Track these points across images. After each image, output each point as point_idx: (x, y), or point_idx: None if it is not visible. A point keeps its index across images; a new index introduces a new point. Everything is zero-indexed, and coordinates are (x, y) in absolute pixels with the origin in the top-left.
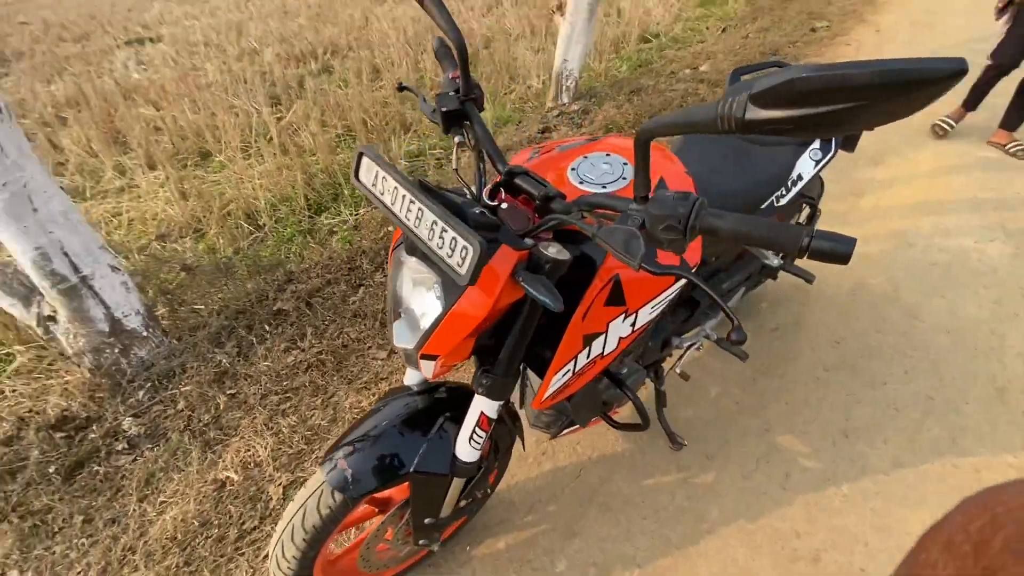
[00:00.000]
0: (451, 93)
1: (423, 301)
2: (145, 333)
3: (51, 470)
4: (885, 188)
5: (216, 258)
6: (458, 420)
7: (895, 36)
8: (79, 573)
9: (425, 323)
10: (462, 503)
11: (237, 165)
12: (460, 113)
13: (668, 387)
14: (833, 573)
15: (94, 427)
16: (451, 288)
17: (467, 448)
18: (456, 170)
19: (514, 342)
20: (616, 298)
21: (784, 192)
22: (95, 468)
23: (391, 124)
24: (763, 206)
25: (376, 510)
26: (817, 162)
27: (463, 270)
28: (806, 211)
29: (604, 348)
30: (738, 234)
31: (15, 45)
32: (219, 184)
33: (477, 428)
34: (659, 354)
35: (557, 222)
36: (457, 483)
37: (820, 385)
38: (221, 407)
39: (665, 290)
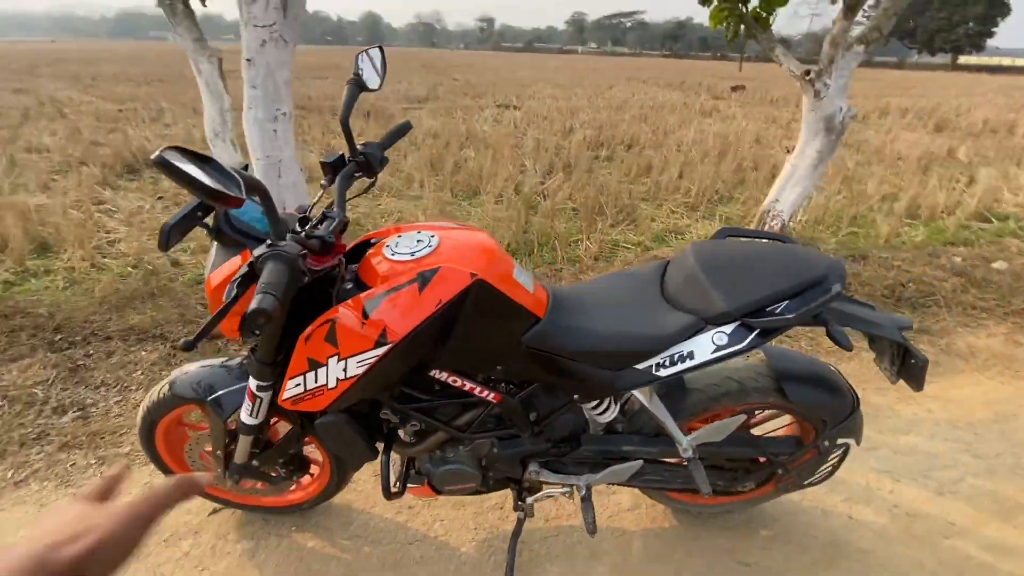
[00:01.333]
0: (340, 153)
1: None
2: None
3: None
4: None
5: None
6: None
7: None
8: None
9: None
10: (257, 464)
11: (489, 206)
12: (339, 166)
13: (567, 530)
14: None
15: None
16: (216, 258)
17: (245, 410)
18: (313, 204)
19: (267, 332)
20: (332, 338)
21: (667, 363)
22: None
23: (622, 213)
24: (639, 365)
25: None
26: (718, 347)
27: None
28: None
29: (327, 381)
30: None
31: (439, 93)
32: (465, 211)
33: (246, 398)
34: (515, 472)
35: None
36: (244, 439)
37: None
38: None
39: (367, 351)
